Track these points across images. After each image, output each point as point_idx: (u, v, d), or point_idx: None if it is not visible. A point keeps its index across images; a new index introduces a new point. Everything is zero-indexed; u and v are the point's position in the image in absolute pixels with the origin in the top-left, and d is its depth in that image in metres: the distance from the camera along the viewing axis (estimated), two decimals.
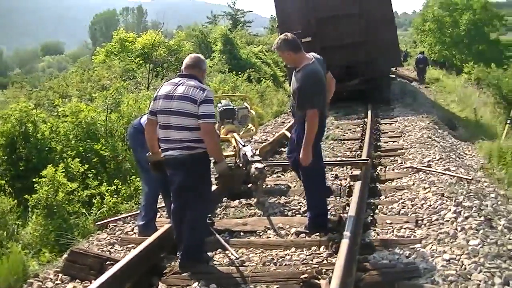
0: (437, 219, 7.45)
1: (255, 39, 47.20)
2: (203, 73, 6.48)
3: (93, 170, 10.47)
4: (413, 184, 9.45)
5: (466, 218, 7.32)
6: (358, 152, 12.20)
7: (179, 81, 6.14)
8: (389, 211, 8.12)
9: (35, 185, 9.01)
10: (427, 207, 8.00)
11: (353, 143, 14.04)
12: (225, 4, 55.65)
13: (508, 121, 18.16)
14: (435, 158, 11.30)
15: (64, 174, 9.29)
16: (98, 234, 8.22)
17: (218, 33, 34.75)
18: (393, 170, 10.88)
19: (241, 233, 7.63)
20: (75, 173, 10.10)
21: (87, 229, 8.62)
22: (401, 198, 8.65)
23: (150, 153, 6.48)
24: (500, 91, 25.26)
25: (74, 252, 6.60)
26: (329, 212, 7.97)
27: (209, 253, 6.72)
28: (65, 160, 10.36)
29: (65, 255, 6.90)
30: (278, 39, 7.24)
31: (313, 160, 7.23)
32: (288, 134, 8.52)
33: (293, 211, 8.35)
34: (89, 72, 24.88)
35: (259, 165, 8.17)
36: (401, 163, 11.24)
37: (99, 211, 9.22)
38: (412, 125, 16.24)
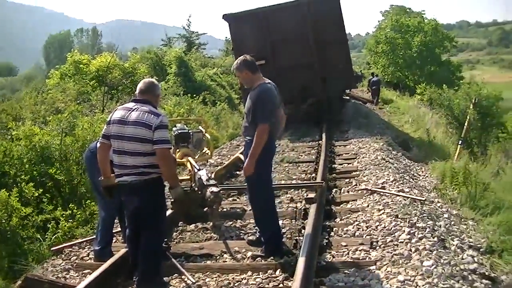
0: (391, 241, 7.54)
1: (210, 61, 47.34)
2: (157, 98, 6.49)
3: (47, 195, 10.35)
4: (368, 206, 9.54)
5: (420, 239, 7.43)
6: (313, 175, 12.29)
7: (133, 106, 6.13)
8: (344, 233, 8.19)
9: None
10: (382, 229, 8.09)
11: (308, 166, 14.11)
12: (180, 26, 55.64)
13: (460, 142, 18.44)
14: (389, 179, 11.43)
15: (18, 198, 9.19)
16: (53, 259, 8.14)
17: (173, 56, 34.74)
18: (348, 192, 10.97)
19: (198, 257, 7.63)
20: (29, 197, 9.95)
21: (42, 254, 8.53)
22: (356, 220, 8.73)
23: (102, 178, 6.45)
24: (452, 111, 25.67)
25: (28, 278, 6.53)
26: (285, 235, 8.04)
27: (166, 278, 6.71)
28: (18, 184, 10.21)
29: (19, 282, 6.83)
30: (238, 60, 7.42)
31: (263, 185, 7.33)
32: (243, 158, 8.53)
33: (249, 234, 8.35)
34: (43, 95, 24.63)
35: (215, 189, 8.20)
36: (356, 185, 11.34)
37: (54, 236, 9.12)
38: (366, 147, 16.38)
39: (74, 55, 31.30)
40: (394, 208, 9.03)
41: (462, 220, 9.53)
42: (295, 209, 9.55)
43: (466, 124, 19.76)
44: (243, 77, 7.49)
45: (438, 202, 10.58)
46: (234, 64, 7.58)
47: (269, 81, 7.39)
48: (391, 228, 8.02)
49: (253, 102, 7.14)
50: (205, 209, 9.20)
